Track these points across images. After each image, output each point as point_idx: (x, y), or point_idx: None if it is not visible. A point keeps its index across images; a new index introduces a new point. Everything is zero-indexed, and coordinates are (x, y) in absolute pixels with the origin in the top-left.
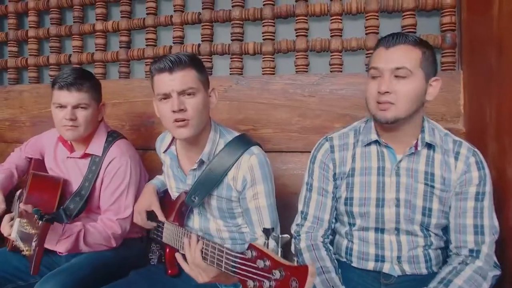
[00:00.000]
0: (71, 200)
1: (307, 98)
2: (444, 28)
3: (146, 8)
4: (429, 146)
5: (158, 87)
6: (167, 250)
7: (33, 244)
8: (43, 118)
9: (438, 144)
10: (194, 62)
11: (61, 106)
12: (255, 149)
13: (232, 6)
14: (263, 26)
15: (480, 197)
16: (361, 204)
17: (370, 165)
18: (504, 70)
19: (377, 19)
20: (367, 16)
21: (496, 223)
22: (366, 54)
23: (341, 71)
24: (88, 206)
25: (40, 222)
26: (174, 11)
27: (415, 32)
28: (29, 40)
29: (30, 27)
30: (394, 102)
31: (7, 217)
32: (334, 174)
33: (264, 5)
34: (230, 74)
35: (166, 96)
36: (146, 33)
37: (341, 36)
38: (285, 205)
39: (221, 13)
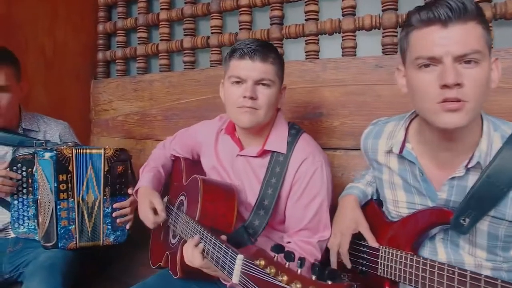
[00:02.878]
0: (254, 214)
1: None
2: None
3: None
4: None
5: (422, 47)
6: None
7: None
8: (176, 110)
9: None
10: (482, 14)
11: (239, 81)
12: None
13: None
14: None
15: None
16: None
17: None
18: None
19: None
20: None
21: None
22: None
23: None
24: (269, 220)
25: (330, 282)
26: None
27: None
28: (160, 24)
29: (161, 9)
30: None
31: (194, 241)
32: None
33: None
34: None
35: (433, 61)
36: (306, 4)
37: None
38: None
39: None
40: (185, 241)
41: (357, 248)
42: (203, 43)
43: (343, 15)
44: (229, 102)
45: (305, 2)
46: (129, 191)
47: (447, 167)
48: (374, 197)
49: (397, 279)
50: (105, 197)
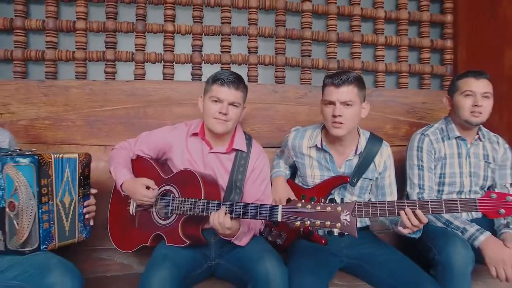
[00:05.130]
0: (234, 192)
1: None
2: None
3: None
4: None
5: (328, 95)
6: None
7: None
8: (99, 117)
9: (486, 137)
10: (359, 80)
11: (218, 101)
12: (385, 142)
13: None
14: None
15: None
16: (451, 176)
17: (453, 152)
18: None
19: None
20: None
21: None
22: (396, 75)
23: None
24: None
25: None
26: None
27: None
28: (77, 33)
29: (78, 18)
30: (482, 112)
31: (223, 210)
32: (434, 158)
33: None
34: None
35: (331, 103)
36: (222, 40)
37: (383, 61)
38: None
39: None
40: (189, 216)
41: None
42: (128, 57)
43: (249, 52)
44: (208, 114)
45: (221, 37)
46: (92, 191)
47: (343, 155)
48: (289, 177)
49: None
50: (79, 197)
